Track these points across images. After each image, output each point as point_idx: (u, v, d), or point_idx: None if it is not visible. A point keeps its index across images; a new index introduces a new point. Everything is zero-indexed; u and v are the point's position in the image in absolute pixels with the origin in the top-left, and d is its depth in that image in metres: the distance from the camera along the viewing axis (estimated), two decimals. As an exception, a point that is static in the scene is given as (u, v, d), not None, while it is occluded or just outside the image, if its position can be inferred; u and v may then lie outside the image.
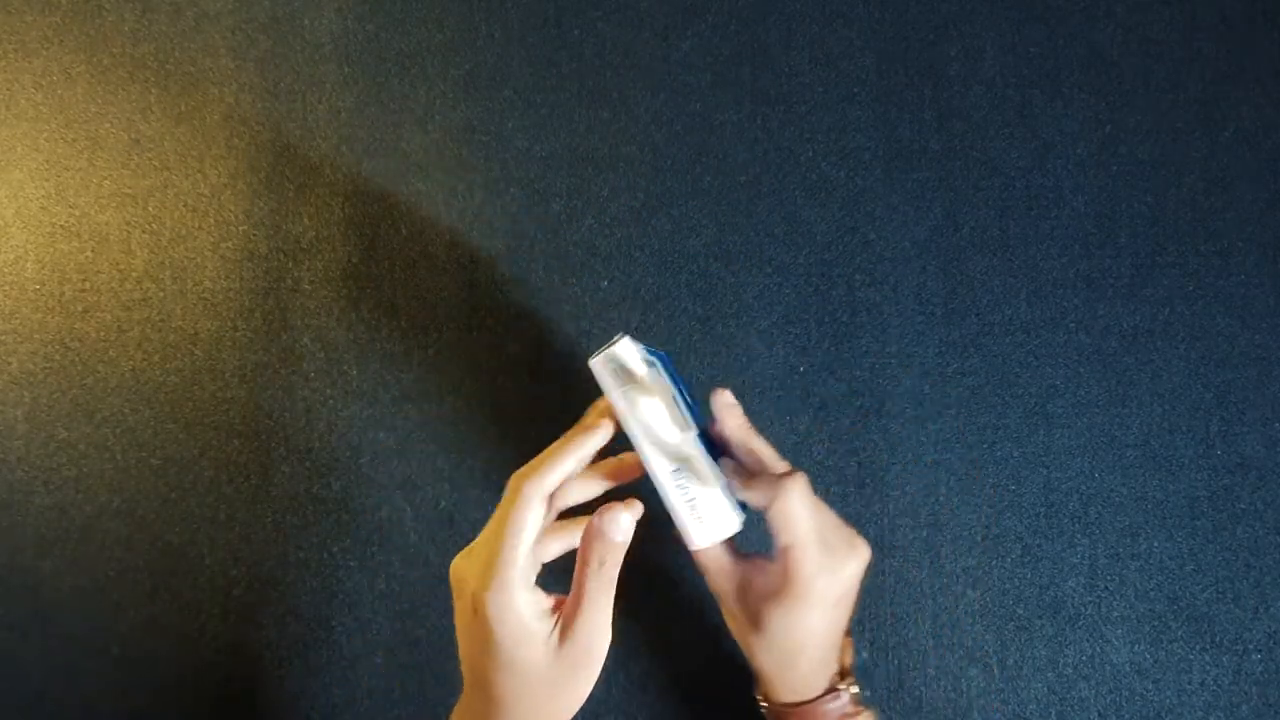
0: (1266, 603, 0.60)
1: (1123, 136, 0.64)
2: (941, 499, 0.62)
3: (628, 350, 0.45)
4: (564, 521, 0.49)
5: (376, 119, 0.65)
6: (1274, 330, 0.62)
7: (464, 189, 0.64)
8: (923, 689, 0.60)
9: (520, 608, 0.42)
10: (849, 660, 0.51)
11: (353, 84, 0.65)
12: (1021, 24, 0.64)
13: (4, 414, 0.63)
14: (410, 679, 0.61)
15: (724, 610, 0.50)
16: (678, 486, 0.45)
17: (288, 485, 0.63)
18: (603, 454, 0.48)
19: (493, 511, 0.45)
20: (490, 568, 0.42)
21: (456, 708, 0.47)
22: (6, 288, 0.64)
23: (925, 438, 0.62)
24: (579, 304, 0.63)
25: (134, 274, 0.64)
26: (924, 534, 0.61)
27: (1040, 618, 0.60)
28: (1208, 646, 0.60)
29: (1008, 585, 0.61)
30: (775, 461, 0.49)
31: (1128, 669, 0.60)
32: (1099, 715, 0.60)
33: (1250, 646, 0.60)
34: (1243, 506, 0.61)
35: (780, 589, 0.46)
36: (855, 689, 0.49)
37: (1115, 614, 0.60)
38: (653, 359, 0.48)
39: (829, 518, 0.48)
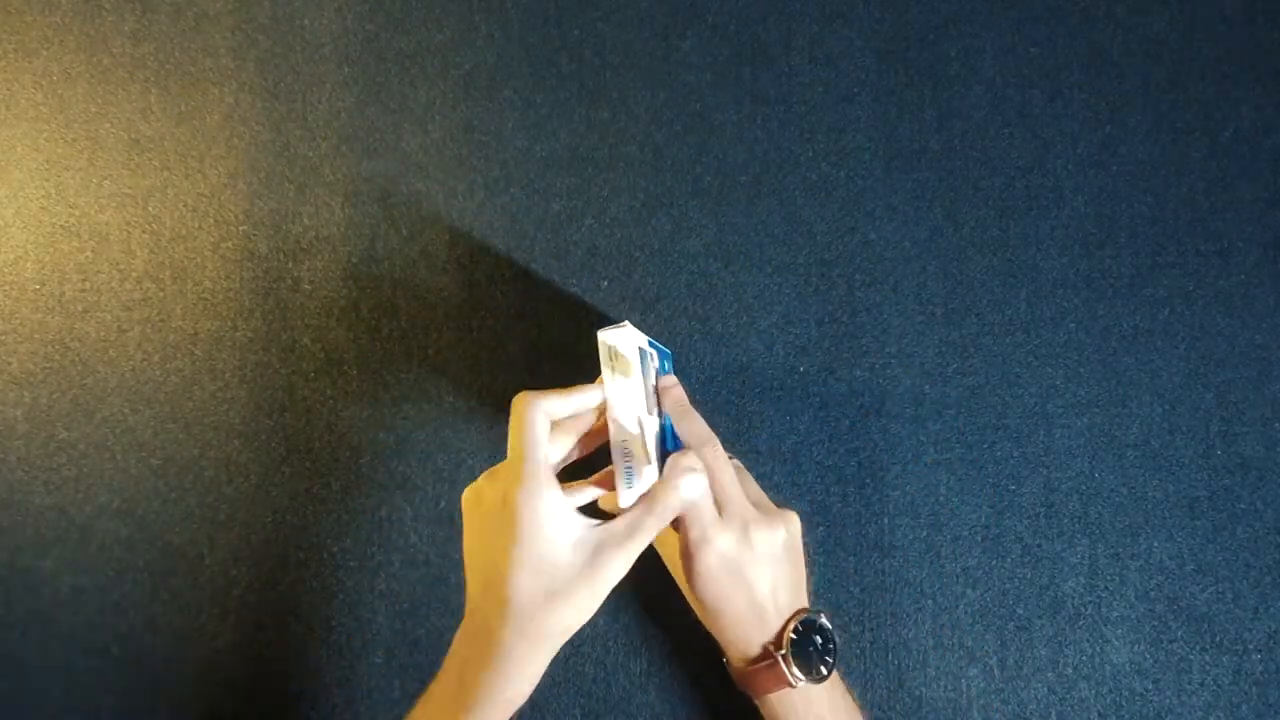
0: (1266, 603, 0.60)
1: (1123, 136, 0.63)
2: (941, 499, 0.62)
3: (626, 336, 0.50)
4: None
5: (376, 119, 0.65)
6: (1274, 330, 0.62)
7: (464, 189, 0.64)
8: (923, 689, 0.60)
9: (548, 501, 0.45)
10: (788, 639, 0.52)
11: (353, 84, 0.65)
12: (1021, 24, 0.64)
13: (4, 414, 0.63)
14: (410, 679, 0.61)
15: (676, 579, 0.56)
16: (622, 455, 0.50)
17: (288, 485, 0.63)
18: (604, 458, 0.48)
19: None
20: (516, 466, 0.46)
21: (458, 633, 0.48)
22: (6, 288, 0.64)
23: (925, 438, 0.62)
24: (579, 304, 0.63)
25: (134, 274, 0.64)
26: (924, 534, 0.61)
27: (1040, 618, 0.60)
28: (1208, 646, 0.60)
29: (1008, 585, 0.61)
30: (701, 440, 0.53)
31: (1128, 669, 0.60)
32: (1099, 715, 0.60)
33: (1250, 646, 0.60)
34: (1243, 506, 0.61)
35: (684, 547, 0.51)
36: (795, 669, 0.51)
37: (1115, 614, 0.60)
38: (651, 351, 0.52)
39: (737, 493, 0.52)
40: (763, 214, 0.64)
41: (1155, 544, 0.61)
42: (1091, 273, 0.63)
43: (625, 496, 0.50)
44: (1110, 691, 0.60)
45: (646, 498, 0.48)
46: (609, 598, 0.61)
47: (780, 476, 0.62)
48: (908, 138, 0.64)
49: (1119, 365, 0.62)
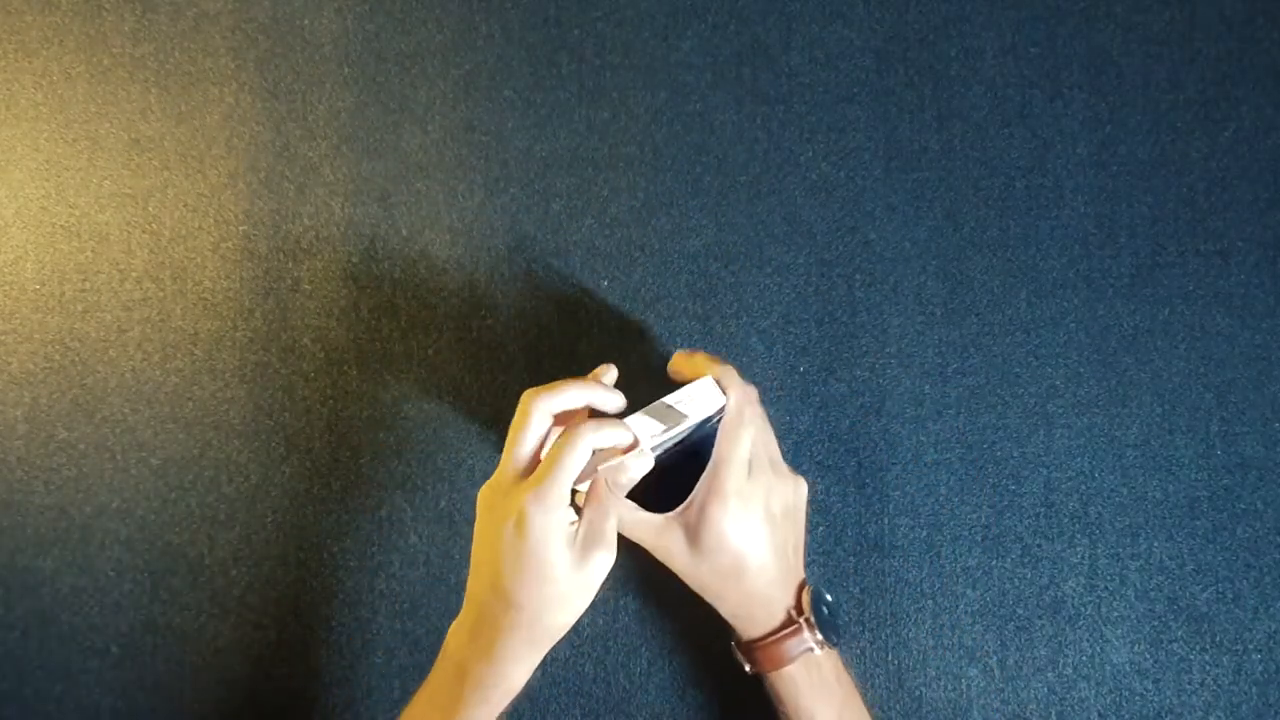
0: (1266, 603, 0.60)
1: (1123, 136, 0.64)
2: (941, 499, 0.62)
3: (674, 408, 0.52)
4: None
5: (376, 119, 0.65)
6: (1274, 330, 0.62)
7: (464, 189, 0.64)
8: (923, 689, 0.60)
9: (558, 518, 0.47)
10: (807, 603, 0.53)
11: (353, 84, 0.65)
12: (1021, 24, 0.64)
13: (4, 414, 0.63)
14: (410, 679, 0.61)
15: (674, 565, 0.54)
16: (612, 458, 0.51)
17: (288, 485, 0.63)
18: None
19: None
20: (547, 493, 0.47)
21: (457, 623, 0.51)
22: (6, 288, 0.64)
23: (925, 438, 0.62)
24: (579, 304, 0.63)
25: (134, 274, 0.64)
26: (924, 534, 0.61)
27: (1040, 618, 0.60)
28: (1208, 646, 0.60)
29: (1008, 585, 0.61)
30: (745, 397, 0.54)
31: (1128, 669, 0.60)
32: (1099, 715, 0.60)
33: (1250, 646, 0.60)
34: (1243, 506, 0.61)
35: (706, 499, 0.52)
36: (820, 635, 0.52)
37: (1115, 614, 0.60)
38: (698, 426, 0.53)
39: (765, 452, 0.54)
40: (763, 214, 0.64)
41: (1155, 544, 0.61)
42: (1091, 273, 0.63)
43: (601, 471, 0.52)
44: (1110, 691, 0.60)
45: (591, 494, 0.50)
46: (609, 597, 0.61)
47: (780, 476, 0.62)
48: (908, 138, 0.64)
49: (1119, 365, 0.62)
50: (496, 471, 0.50)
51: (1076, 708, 0.60)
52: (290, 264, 0.64)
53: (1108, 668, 0.60)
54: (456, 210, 0.64)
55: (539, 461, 0.49)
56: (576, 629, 0.61)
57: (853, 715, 0.53)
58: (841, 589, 0.61)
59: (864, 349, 0.63)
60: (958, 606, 0.61)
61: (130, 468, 0.63)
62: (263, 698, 0.61)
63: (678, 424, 0.51)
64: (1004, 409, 0.62)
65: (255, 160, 0.65)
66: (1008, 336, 0.62)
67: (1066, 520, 0.61)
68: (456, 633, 0.51)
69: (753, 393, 0.54)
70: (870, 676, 0.60)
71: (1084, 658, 0.60)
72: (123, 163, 0.65)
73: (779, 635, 0.53)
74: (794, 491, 0.54)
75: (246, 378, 0.63)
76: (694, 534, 0.52)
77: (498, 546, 0.48)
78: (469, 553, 0.51)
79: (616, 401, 0.52)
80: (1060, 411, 0.62)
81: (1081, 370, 0.62)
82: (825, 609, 0.54)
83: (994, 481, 0.62)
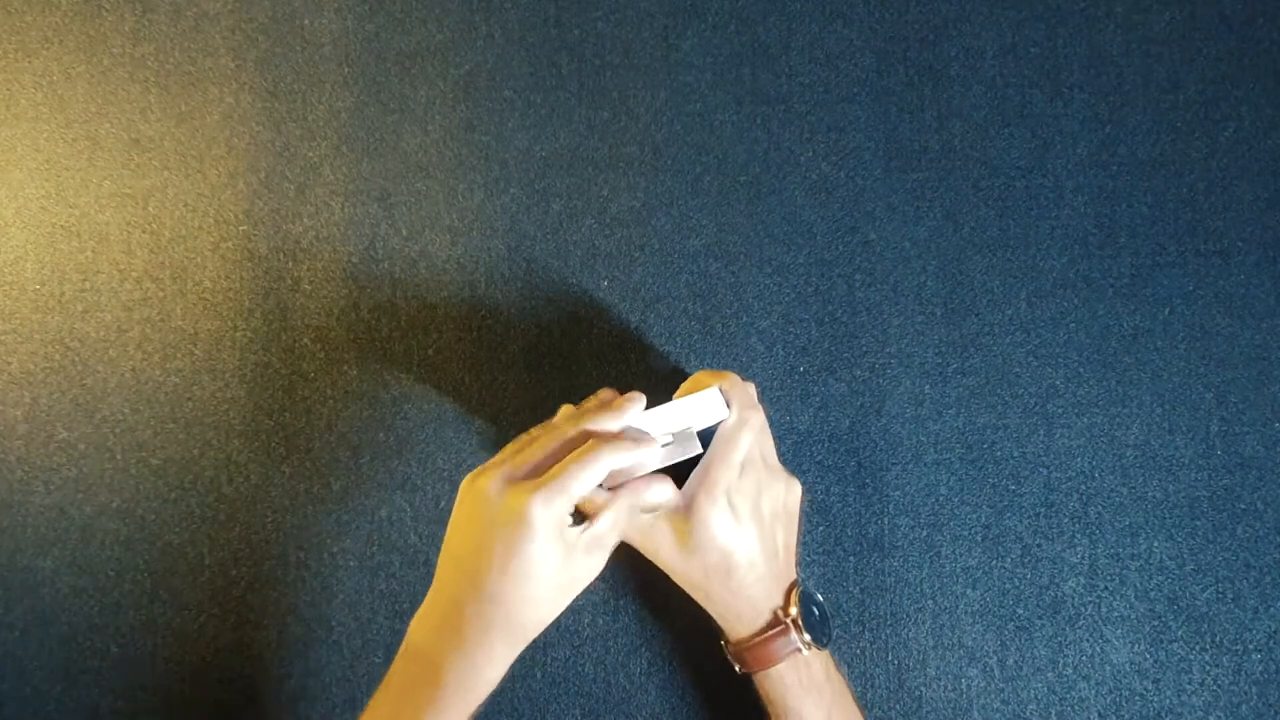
0: (1266, 603, 0.60)
1: (1123, 136, 0.64)
2: (941, 499, 0.62)
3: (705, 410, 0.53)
4: None
5: (376, 119, 0.65)
6: (1274, 330, 0.62)
7: (464, 189, 0.64)
8: (923, 689, 0.60)
9: (559, 525, 0.47)
10: (795, 603, 0.53)
11: (353, 84, 0.65)
12: (1021, 24, 0.64)
13: (4, 414, 0.63)
14: (410, 679, 0.61)
15: (663, 563, 0.54)
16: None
17: (288, 485, 0.63)
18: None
19: None
20: (555, 498, 0.46)
21: (422, 615, 0.49)
22: (6, 288, 0.64)
23: (925, 438, 0.62)
24: (579, 304, 0.63)
25: (134, 274, 0.64)
26: (924, 534, 0.61)
27: (1040, 618, 0.60)
28: (1208, 646, 0.60)
29: (1008, 585, 0.61)
30: (748, 402, 0.54)
31: (1128, 669, 0.60)
32: (1099, 715, 0.60)
33: (1250, 646, 0.60)
34: (1243, 506, 0.61)
35: (696, 496, 0.52)
36: (807, 636, 0.52)
37: (1115, 614, 0.60)
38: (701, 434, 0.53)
39: (758, 453, 0.54)
40: (763, 214, 0.64)
41: (1155, 544, 0.61)
42: (1091, 273, 0.63)
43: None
44: (1110, 691, 0.60)
45: (614, 501, 0.49)
46: (609, 598, 0.61)
47: (780, 476, 0.62)
48: (908, 138, 0.64)
49: (1119, 365, 0.62)
50: (493, 465, 0.49)
51: (1076, 708, 0.60)
52: (290, 264, 0.64)
53: (1108, 668, 0.60)
54: (456, 210, 0.64)
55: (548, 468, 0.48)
56: (577, 629, 0.61)
57: (842, 715, 0.53)
58: (841, 589, 0.61)
59: (864, 349, 0.63)
60: (958, 606, 0.61)
61: (130, 468, 0.63)
62: (263, 698, 0.61)
63: (679, 435, 0.51)
64: (1004, 409, 0.62)
65: (255, 160, 0.65)
66: (1008, 336, 0.63)
67: (1066, 520, 0.61)
68: (422, 626, 0.49)
69: (753, 394, 0.54)
70: (870, 676, 0.60)
71: (1084, 658, 0.60)
72: (123, 163, 0.65)
73: (766, 636, 0.53)
74: (786, 492, 0.54)
75: (246, 378, 0.63)
76: (683, 530, 0.52)
77: (486, 539, 0.47)
78: None
79: (653, 461, 0.51)
80: (1060, 411, 0.62)
81: (1081, 370, 0.62)
82: (815, 609, 0.54)
83: (994, 481, 0.62)
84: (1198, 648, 0.60)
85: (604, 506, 0.49)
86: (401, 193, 0.64)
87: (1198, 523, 0.61)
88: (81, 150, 0.65)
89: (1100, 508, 0.61)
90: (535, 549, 0.46)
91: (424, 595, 0.61)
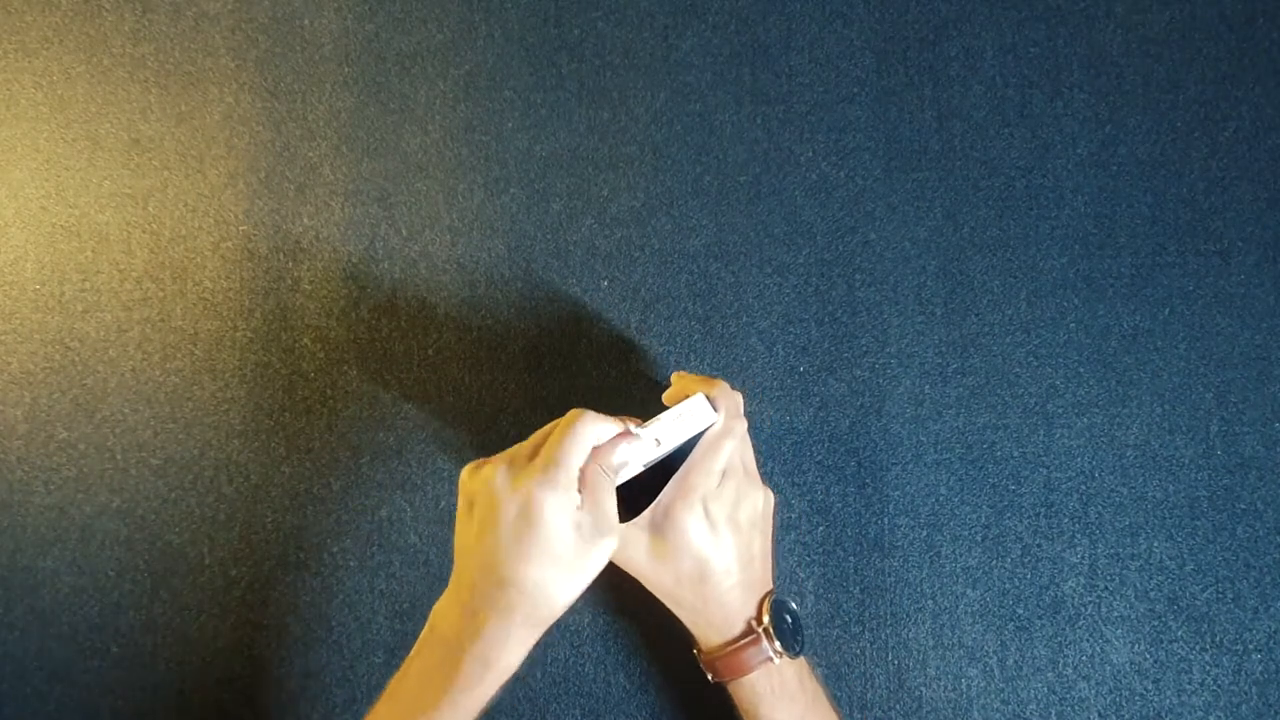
0: (1266, 603, 0.60)
1: (1123, 136, 0.64)
2: (941, 499, 0.62)
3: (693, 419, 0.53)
4: None
5: (376, 119, 0.65)
6: (1274, 330, 0.62)
7: (464, 189, 0.64)
8: (923, 689, 0.60)
9: (568, 506, 0.47)
10: (767, 613, 0.53)
11: (353, 84, 0.65)
12: (1021, 24, 0.64)
13: (4, 414, 0.63)
14: (410, 679, 0.61)
15: (636, 569, 0.54)
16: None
17: (288, 485, 0.63)
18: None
19: None
20: (553, 473, 0.47)
21: (444, 603, 0.50)
22: (6, 288, 0.64)
23: (925, 438, 0.62)
24: (579, 304, 0.63)
25: (134, 274, 0.64)
26: (924, 534, 0.61)
27: (1040, 618, 0.60)
28: (1208, 646, 0.60)
29: (1008, 585, 0.61)
30: (736, 411, 0.54)
31: (1128, 669, 0.60)
32: (1099, 715, 0.60)
33: (1250, 646, 0.60)
34: (1243, 506, 0.61)
35: (673, 502, 0.52)
36: (778, 645, 0.52)
37: (1115, 614, 0.60)
38: (688, 443, 0.54)
39: (739, 463, 0.54)
40: (763, 214, 0.64)
41: (1155, 544, 0.61)
42: (1091, 273, 0.63)
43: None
44: (1110, 691, 0.60)
45: (587, 477, 0.49)
46: (609, 597, 0.61)
47: (780, 476, 0.62)
48: (908, 138, 0.64)
49: (1119, 365, 0.62)
50: (495, 460, 0.49)
51: (1076, 708, 0.60)
52: (290, 264, 0.64)
53: (1108, 668, 0.60)
54: (456, 210, 0.64)
55: None
56: (576, 629, 0.61)
57: None
58: (841, 589, 0.61)
59: (864, 349, 0.63)
60: (958, 606, 0.61)
61: (130, 468, 0.63)
62: (263, 698, 0.61)
63: (668, 442, 0.52)
64: (1004, 409, 0.62)
65: (255, 160, 0.65)
66: (1008, 336, 0.62)
67: (1066, 520, 0.61)
68: (445, 613, 0.50)
69: (739, 403, 0.54)
70: (870, 676, 0.60)
71: (1084, 658, 0.60)
72: (123, 163, 0.65)
73: (737, 645, 0.53)
74: (763, 501, 0.55)
75: (246, 378, 0.63)
76: (659, 536, 0.52)
77: (497, 526, 0.47)
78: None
79: (640, 454, 0.52)
80: (1060, 411, 0.62)
81: (1081, 370, 0.62)
82: (788, 618, 0.54)
83: (994, 481, 0.62)
84: (1198, 648, 0.60)
85: (584, 493, 0.49)
86: (401, 193, 0.64)
87: (1198, 523, 0.61)
88: (81, 150, 0.65)
89: (1100, 508, 0.61)
90: (546, 532, 0.46)
91: (424, 595, 0.62)
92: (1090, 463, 0.61)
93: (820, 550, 0.61)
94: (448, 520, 0.62)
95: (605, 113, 0.65)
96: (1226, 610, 0.60)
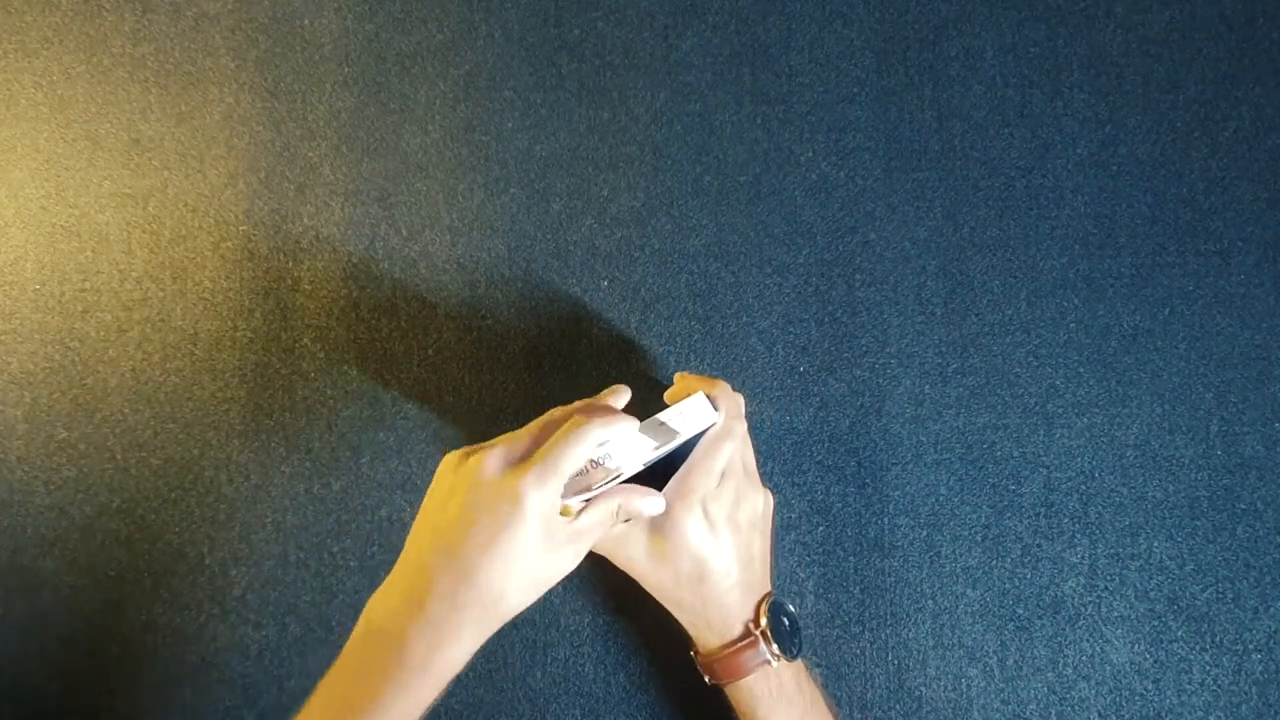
0: (1266, 603, 0.60)
1: (1123, 136, 0.64)
2: (941, 499, 0.62)
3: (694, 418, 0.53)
4: None
5: (376, 119, 0.65)
6: (1274, 330, 0.62)
7: (464, 189, 0.64)
8: (923, 689, 0.60)
9: (552, 509, 0.47)
10: (764, 615, 0.53)
11: (353, 84, 0.65)
12: (1021, 24, 0.64)
13: (4, 414, 0.63)
14: (410, 679, 0.61)
15: (635, 570, 0.54)
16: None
17: (288, 485, 0.63)
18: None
19: None
20: (547, 475, 0.46)
21: (384, 593, 0.47)
22: (6, 288, 0.64)
23: (925, 438, 0.62)
24: (579, 304, 0.63)
25: (134, 274, 0.64)
26: (924, 534, 0.61)
27: (1040, 618, 0.60)
28: (1208, 646, 0.60)
29: (1008, 585, 0.61)
30: (737, 412, 0.54)
31: (1128, 669, 0.60)
32: (1099, 715, 0.60)
33: (1250, 646, 0.60)
34: (1243, 506, 0.61)
35: (673, 501, 0.52)
36: (775, 647, 0.52)
37: (1115, 614, 0.60)
38: (689, 441, 0.53)
39: (740, 466, 0.54)
40: (763, 214, 0.64)
41: (1155, 544, 0.61)
42: (1091, 273, 0.63)
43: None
44: (1110, 691, 0.60)
45: (601, 501, 0.49)
46: (610, 597, 0.61)
47: (780, 476, 0.62)
48: (908, 138, 0.64)
49: (1119, 365, 0.62)
50: (487, 448, 0.48)
51: (1076, 708, 0.60)
52: (290, 264, 0.64)
53: (1108, 668, 0.60)
54: (456, 210, 0.64)
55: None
56: (576, 629, 0.61)
57: None
58: (841, 589, 0.61)
59: (864, 349, 0.63)
60: (958, 606, 0.61)
61: (130, 468, 0.63)
62: (262, 698, 0.61)
63: (669, 441, 0.52)
64: (1004, 409, 0.62)
65: (255, 160, 0.65)
66: (1008, 336, 0.63)
67: (1066, 520, 0.61)
68: (383, 602, 0.47)
69: (740, 405, 0.54)
70: (870, 676, 0.60)
71: (1084, 658, 0.60)
72: (123, 163, 0.65)
73: (735, 647, 0.52)
74: (763, 503, 0.55)
75: (246, 378, 0.63)
76: (658, 535, 0.52)
77: (473, 516, 0.46)
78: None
79: (640, 457, 0.52)
80: (1060, 411, 0.62)
81: (1081, 370, 0.62)
82: (785, 620, 0.54)
83: (994, 481, 0.62)
84: (1198, 648, 0.60)
85: (592, 504, 0.49)
86: (401, 193, 0.64)
87: (1198, 523, 0.61)
88: (81, 150, 0.65)
89: (1100, 508, 0.61)
90: (522, 532, 0.45)
91: (424, 595, 0.61)
92: (1090, 463, 0.61)
93: (820, 550, 0.61)
94: (448, 520, 0.62)
95: (605, 113, 0.65)
96: (1226, 610, 0.60)
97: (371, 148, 0.65)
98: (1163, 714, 0.60)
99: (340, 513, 0.62)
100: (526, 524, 0.45)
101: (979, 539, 0.61)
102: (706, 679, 0.55)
